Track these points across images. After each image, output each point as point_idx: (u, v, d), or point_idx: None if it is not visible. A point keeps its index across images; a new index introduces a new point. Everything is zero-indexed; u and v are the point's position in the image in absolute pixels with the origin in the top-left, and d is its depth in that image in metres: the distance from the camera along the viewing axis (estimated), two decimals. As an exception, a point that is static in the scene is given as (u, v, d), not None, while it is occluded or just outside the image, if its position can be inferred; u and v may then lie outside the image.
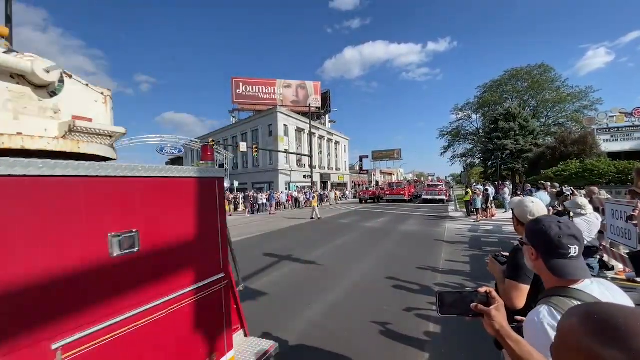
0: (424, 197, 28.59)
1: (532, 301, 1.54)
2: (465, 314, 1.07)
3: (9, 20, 12.18)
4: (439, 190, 28.31)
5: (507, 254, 1.95)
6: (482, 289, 1.08)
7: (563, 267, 1.10)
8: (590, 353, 0.54)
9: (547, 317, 1.01)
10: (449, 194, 33.29)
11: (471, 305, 1.05)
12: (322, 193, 33.13)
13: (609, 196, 6.93)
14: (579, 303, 0.99)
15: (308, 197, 30.32)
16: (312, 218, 17.80)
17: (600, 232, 5.20)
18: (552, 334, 0.97)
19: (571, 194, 7.73)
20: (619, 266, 5.81)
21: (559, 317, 0.99)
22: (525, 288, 1.64)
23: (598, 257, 4.25)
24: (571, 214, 4.19)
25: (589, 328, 0.57)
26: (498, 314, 1.01)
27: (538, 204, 1.88)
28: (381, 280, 5.93)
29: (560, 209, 7.18)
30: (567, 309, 0.71)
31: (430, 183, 36.82)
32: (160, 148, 31.42)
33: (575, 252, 1.11)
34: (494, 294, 1.07)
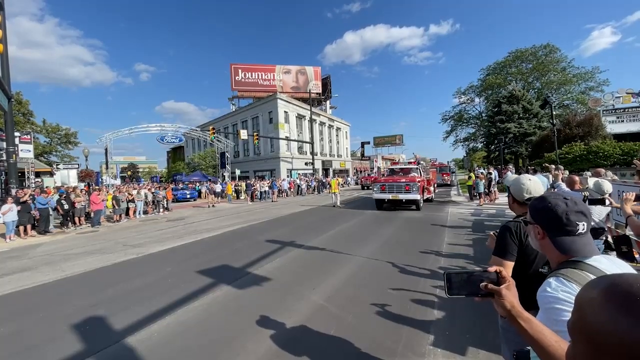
0: (375, 196, 14.69)
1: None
2: (474, 294, 1.04)
3: (0, 8, 11.88)
4: (407, 182, 13.85)
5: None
6: (492, 268, 1.04)
7: (571, 244, 1.07)
8: (611, 327, 0.50)
9: (558, 287, 0.98)
10: (433, 188, 18.64)
11: (481, 285, 1.01)
12: (323, 180, 33.09)
13: (616, 177, 6.84)
14: (591, 275, 0.96)
15: (310, 184, 30.32)
16: (334, 206, 16.66)
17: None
18: (557, 304, 0.95)
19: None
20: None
21: (570, 286, 0.96)
22: (510, 264, 1.68)
23: (604, 238, 4.20)
24: (586, 193, 4.14)
25: (610, 300, 0.53)
26: (509, 293, 0.98)
27: (535, 181, 1.83)
28: (385, 265, 5.95)
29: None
30: (585, 283, 0.65)
31: (395, 167, 17.60)
32: (161, 137, 31.32)
33: (583, 229, 1.08)
34: (504, 273, 1.03)
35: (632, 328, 0.47)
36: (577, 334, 0.59)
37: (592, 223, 3.87)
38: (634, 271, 1.01)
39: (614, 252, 5.76)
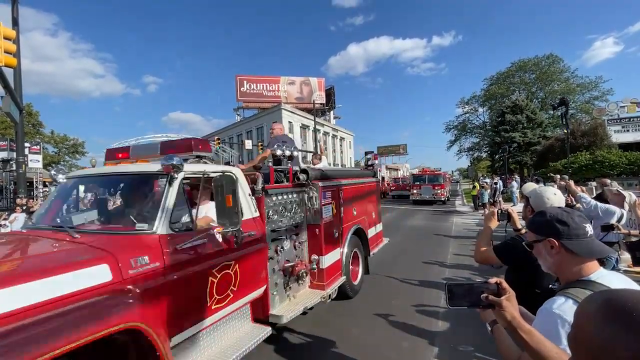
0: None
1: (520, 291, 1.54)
2: (475, 305, 1.05)
3: (15, 23, 12.28)
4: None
5: (510, 210, 2.08)
6: (493, 280, 1.06)
7: (588, 246, 1.09)
8: (608, 341, 0.52)
9: (561, 307, 0.99)
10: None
11: (481, 296, 1.03)
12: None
13: (621, 188, 6.78)
14: None
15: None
16: None
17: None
18: (562, 323, 0.96)
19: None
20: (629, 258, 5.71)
21: (574, 307, 0.97)
22: (493, 259, 1.92)
23: (617, 251, 4.15)
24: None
25: (607, 315, 0.55)
26: (509, 304, 0.99)
27: (560, 197, 1.81)
28: (388, 275, 5.91)
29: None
30: (584, 297, 0.68)
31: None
32: (167, 147, 31.65)
33: (590, 231, 1.12)
34: (505, 284, 1.04)
35: (627, 343, 0.49)
36: (576, 347, 0.61)
37: (608, 236, 3.83)
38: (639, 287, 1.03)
39: (622, 264, 5.69)
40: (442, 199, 20.51)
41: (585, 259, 1.09)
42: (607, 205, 4.60)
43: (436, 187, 20.39)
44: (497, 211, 2.07)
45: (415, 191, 21.30)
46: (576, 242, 1.09)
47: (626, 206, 3.96)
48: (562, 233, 1.11)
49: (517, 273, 1.84)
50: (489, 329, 1.12)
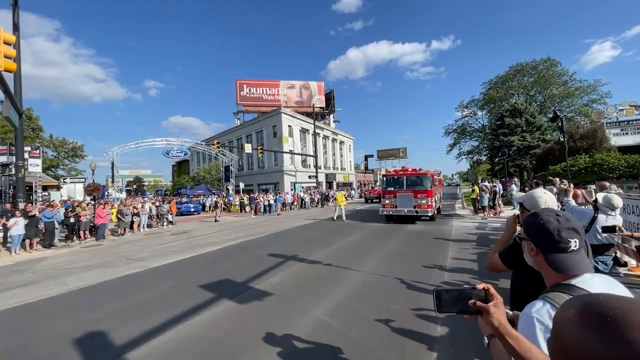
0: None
1: (525, 294, 1.50)
2: (463, 311, 1.04)
3: (15, 28, 12.36)
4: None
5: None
6: (480, 286, 1.05)
7: (563, 262, 1.06)
8: (585, 345, 0.53)
9: (539, 311, 0.98)
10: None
11: (469, 302, 1.02)
12: (327, 193, 33.07)
13: (621, 191, 6.78)
14: None
15: (314, 197, 30.28)
16: (333, 219, 16.37)
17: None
18: (540, 327, 0.95)
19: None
20: (632, 262, 5.68)
21: (553, 312, 0.96)
22: (500, 265, 1.87)
23: (613, 254, 4.12)
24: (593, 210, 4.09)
25: (585, 319, 0.56)
26: (497, 310, 0.98)
27: (550, 195, 1.82)
28: (388, 279, 5.89)
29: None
30: (564, 302, 0.68)
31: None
32: (167, 151, 31.72)
33: (575, 246, 1.07)
34: (492, 290, 1.04)
35: (604, 346, 0.51)
36: (555, 351, 0.62)
37: (599, 239, 3.83)
38: (627, 290, 1.02)
39: (623, 268, 5.67)
40: (429, 212, 13.48)
41: None
42: (580, 207, 4.63)
43: (420, 196, 13.50)
44: (517, 237, 2.02)
45: (387, 201, 14.27)
46: (553, 256, 1.08)
47: (618, 210, 3.95)
48: (543, 242, 1.11)
49: (521, 276, 1.82)
50: (486, 342, 1.09)
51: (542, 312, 0.98)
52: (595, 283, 1.02)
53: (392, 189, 14.35)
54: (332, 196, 32.42)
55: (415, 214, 13.64)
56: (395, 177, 14.70)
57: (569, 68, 38.01)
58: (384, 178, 15.35)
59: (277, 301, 5.04)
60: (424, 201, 13.49)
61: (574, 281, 1.04)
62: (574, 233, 1.08)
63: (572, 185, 8.90)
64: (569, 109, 37.26)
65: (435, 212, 14.58)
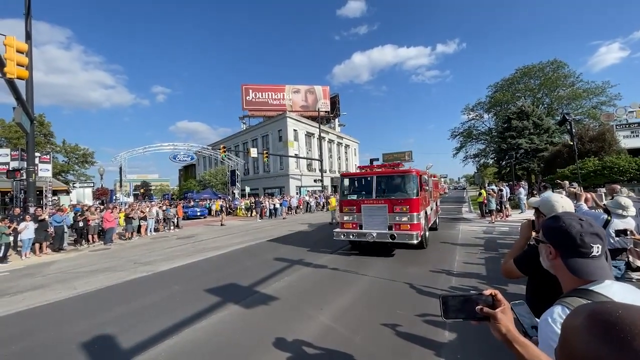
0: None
1: (541, 300, 1.47)
2: (470, 317, 1.03)
3: (28, 37, 12.66)
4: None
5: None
6: (487, 291, 1.04)
7: (583, 267, 1.03)
8: (593, 354, 0.53)
9: (559, 317, 0.97)
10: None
11: (476, 308, 1.01)
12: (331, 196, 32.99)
13: (632, 194, 6.65)
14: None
15: (319, 200, 30.26)
16: (331, 223, 16.29)
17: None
18: (556, 333, 0.94)
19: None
20: (645, 267, 5.55)
21: None
22: (516, 272, 1.83)
23: (625, 259, 4.04)
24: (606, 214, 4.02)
25: (592, 327, 0.56)
26: (504, 316, 0.97)
27: (566, 199, 1.80)
28: (394, 284, 5.84)
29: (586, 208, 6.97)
30: (573, 309, 0.68)
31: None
32: (174, 156, 32.08)
33: (597, 252, 1.04)
34: (500, 296, 1.02)
35: (611, 355, 0.50)
36: (562, 359, 0.62)
37: (612, 243, 3.76)
38: None
39: (636, 273, 5.54)
40: (413, 235, 7.72)
41: None
42: (592, 211, 4.56)
43: (398, 209, 8.07)
44: (534, 240, 1.99)
45: (346, 217, 8.85)
46: (573, 260, 1.05)
47: (631, 211, 3.87)
48: (564, 246, 1.09)
49: (536, 282, 1.79)
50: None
51: (558, 317, 0.97)
52: (616, 290, 0.99)
53: (355, 197, 8.89)
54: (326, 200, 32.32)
55: (390, 239, 7.98)
56: (360, 179, 9.32)
57: (575, 70, 37.49)
58: (343, 179, 9.68)
59: (282, 306, 5.03)
60: (404, 217, 8.00)
61: (592, 287, 1.01)
62: (597, 238, 1.06)
63: (582, 189, 8.75)
64: (577, 111, 36.77)
65: (427, 233, 9.09)
